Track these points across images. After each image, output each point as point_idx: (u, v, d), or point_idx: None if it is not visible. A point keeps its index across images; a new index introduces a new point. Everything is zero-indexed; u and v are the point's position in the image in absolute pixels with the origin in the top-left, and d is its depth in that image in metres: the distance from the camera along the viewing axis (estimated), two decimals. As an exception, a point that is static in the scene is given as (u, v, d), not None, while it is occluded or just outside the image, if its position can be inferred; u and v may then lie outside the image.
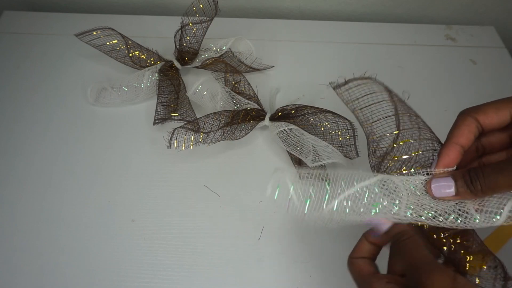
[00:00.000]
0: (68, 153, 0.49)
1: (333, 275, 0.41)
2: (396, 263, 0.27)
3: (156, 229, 0.43)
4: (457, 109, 0.30)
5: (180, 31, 0.52)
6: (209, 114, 0.47)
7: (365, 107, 0.31)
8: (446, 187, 0.28)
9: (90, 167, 0.48)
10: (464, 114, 0.29)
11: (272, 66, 0.57)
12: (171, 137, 0.44)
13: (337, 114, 0.46)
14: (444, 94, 0.55)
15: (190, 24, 0.51)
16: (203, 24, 0.51)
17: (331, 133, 0.46)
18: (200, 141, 0.45)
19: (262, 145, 0.50)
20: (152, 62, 0.54)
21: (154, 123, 0.49)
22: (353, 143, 0.46)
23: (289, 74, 0.57)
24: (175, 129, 0.45)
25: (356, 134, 0.45)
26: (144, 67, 0.53)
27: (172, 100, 0.50)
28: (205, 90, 0.50)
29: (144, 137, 0.50)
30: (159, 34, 0.61)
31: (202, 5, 0.50)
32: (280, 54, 0.59)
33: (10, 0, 0.66)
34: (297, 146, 0.45)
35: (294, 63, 0.58)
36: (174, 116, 0.49)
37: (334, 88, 0.30)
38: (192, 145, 0.45)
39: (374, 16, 0.68)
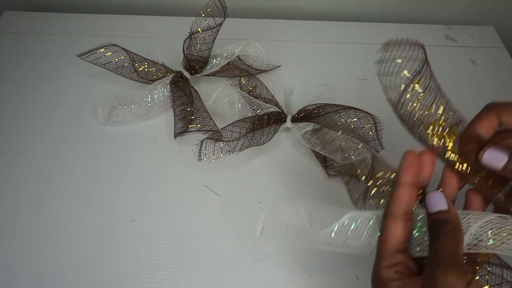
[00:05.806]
0: (68, 153, 0.49)
1: (333, 275, 0.41)
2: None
3: (156, 229, 0.43)
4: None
5: (189, 39, 0.50)
6: (234, 122, 0.46)
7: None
8: (498, 159, 0.27)
9: (90, 167, 0.48)
10: (489, 110, 0.29)
11: (279, 66, 0.57)
12: (200, 149, 0.43)
13: (360, 109, 0.46)
14: (444, 94, 0.55)
15: (200, 31, 0.49)
16: (212, 30, 0.49)
17: (356, 129, 0.46)
18: (229, 150, 0.44)
19: (262, 145, 0.50)
20: (161, 75, 0.52)
21: (175, 137, 0.48)
22: (377, 137, 0.45)
23: (289, 75, 0.57)
24: (203, 140, 0.43)
25: (379, 128, 0.45)
26: (153, 81, 0.52)
27: (188, 111, 0.49)
28: (225, 98, 0.49)
29: (144, 137, 0.50)
30: (159, 34, 0.61)
31: (210, 9, 0.49)
32: (280, 54, 0.59)
33: (10, 0, 0.66)
34: (324, 145, 0.45)
35: (294, 63, 0.58)
36: (193, 127, 0.47)
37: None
38: (222, 155, 0.44)
39: (374, 16, 0.68)
